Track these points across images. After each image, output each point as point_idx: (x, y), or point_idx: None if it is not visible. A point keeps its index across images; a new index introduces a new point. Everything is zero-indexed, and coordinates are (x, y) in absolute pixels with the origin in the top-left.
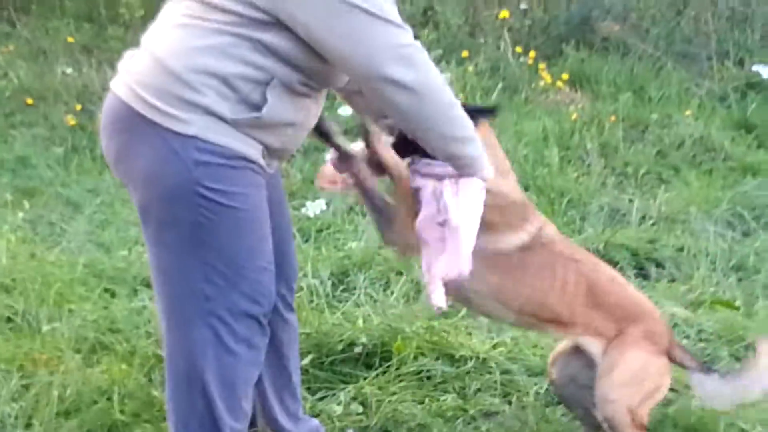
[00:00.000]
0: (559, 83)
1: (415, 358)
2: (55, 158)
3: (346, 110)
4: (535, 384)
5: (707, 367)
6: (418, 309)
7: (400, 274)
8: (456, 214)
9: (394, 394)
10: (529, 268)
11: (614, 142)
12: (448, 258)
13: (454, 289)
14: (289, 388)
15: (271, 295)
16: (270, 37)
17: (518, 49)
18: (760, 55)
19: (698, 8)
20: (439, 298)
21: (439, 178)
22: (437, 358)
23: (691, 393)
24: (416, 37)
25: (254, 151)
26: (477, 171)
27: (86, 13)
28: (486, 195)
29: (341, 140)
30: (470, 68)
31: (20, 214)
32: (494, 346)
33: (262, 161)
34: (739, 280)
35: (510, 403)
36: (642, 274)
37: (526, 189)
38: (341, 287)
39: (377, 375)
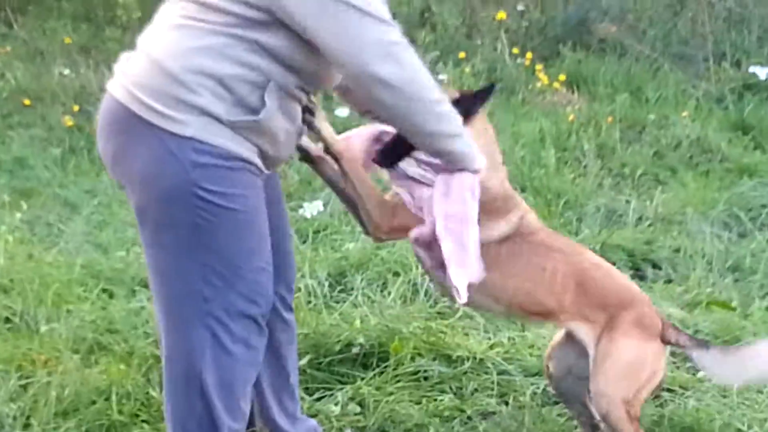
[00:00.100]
0: (556, 84)
1: (413, 358)
2: (53, 159)
3: (343, 111)
4: (532, 384)
5: (704, 342)
6: (415, 310)
7: (397, 275)
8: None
9: (391, 394)
10: (514, 258)
11: (611, 143)
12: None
13: (442, 284)
14: (288, 389)
15: (269, 296)
16: (266, 38)
17: (515, 51)
18: (756, 56)
19: (695, 9)
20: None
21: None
22: (434, 359)
23: (687, 393)
24: (413, 38)
25: (250, 152)
26: (467, 165)
27: (83, 14)
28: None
29: (304, 140)
30: (467, 69)
31: (18, 215)
32: (491, 347)
33: (258, 162)
34: (736, 280)
35: (507, 403)
36: (639, 274)
37: (523, 190)
38: (338, 288)
39: (375, 375)
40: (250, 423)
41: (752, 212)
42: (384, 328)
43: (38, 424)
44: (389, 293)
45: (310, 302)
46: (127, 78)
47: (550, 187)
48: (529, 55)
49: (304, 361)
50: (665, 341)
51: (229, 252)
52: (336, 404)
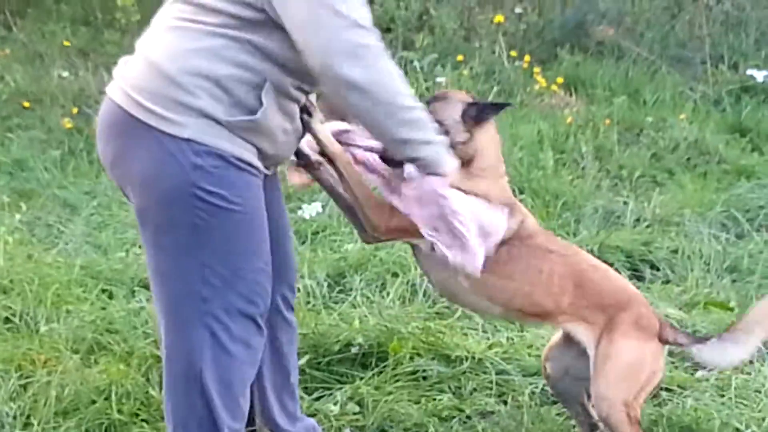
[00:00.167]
0: (554, 87)
1: (411, 358)
2: (52, 161)
3: None
4: (531, 384)
5: (702, 337)
6: (413, 310)
7: (395, 275)
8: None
9: (390, 394)
10: (512, 262)
11: (609, 145)
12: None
13: (441, 284)
14: (288, 388)
15: (267, 296)
16: (260, 39)
17: (513, 53)
18: (754, 59)
19: (692, 12)
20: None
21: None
22: (433, 359)
23: (686, 393)
24: (412, 41)
25: (249, 153)
26: (436, 170)
27: (82, 17)
28: (473, 199)
29: (302, 145)
30: (465, 72)
31: (17, 216)
32: (490, 347)
33: (258, 163)
34: (733, 281)
35: (505, 402)
36: (637, 275)
37: (521, 192)
38: (337, 289)
39: (373, 375)
40: (250, 422)
41: (749, 213)
42: (383, 328)
43: (38, 424)
44: (388, 294)
45: (309, 302)
46: (126, 81)
47: (549, 188)
48: (527, 57)
49: (303, 360)
50: (663, 341)
51: (228, 252)
52: (335, 404)
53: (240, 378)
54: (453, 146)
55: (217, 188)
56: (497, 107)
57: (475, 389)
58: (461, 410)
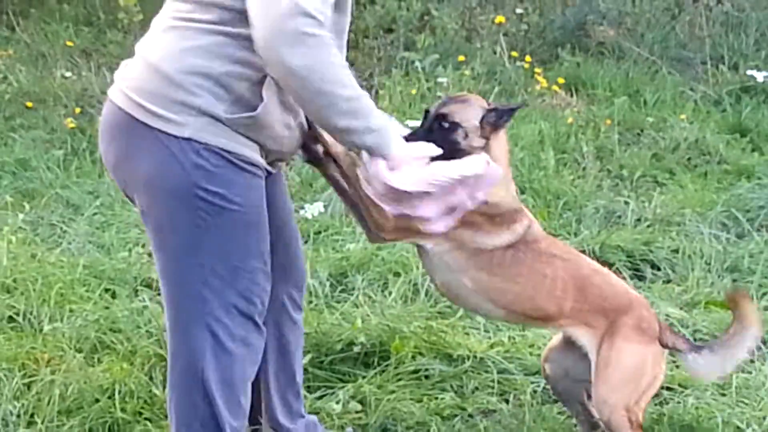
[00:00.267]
0: (555, 87)
1: (413, 357)
2: (55, 161)
3: None
4: (532, 383)
5: (697, 345)
6: (415, 309)
7: (397, 275)
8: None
9: (392, 392)
10: (516, 265)
11: (610, 145)
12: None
13: (444, 286)
14: (293, 387)
15: (266, 295)
16: None
17: (514, 54)
18: (754, 59)
19: (693, 13)
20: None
21: None
22: (435, 358)
23: (687, 392)
24: (413, 41)
25: (252, 151)
26: (381, 153)
27: (85, 17)
28: (480, 204)
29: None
30: (467, 72)
31: (21, 216)
32: (491, 346)
33: (261, 161)
34: (734, 281)
35: (507, 401)
36: (637, 275)
37: (522, 192)
38: (340, 288)
39: (376, 374)
40: (254, 420)
41: (750, 213)
42: (385, 327)
43: (42, 422)
44: (390, 293)
45: (311, 302)
46: (126, 83)
47: (550, 188)
48: (528, 58)
49: (305, 360)
50: (662, 344)
51: (227, 252)
52: (337, 402)
53: (241, 377)
54: (468, 151)
55: (218, 187)
56: (513, 111)
57: (477, 388)
58: (463, 409)
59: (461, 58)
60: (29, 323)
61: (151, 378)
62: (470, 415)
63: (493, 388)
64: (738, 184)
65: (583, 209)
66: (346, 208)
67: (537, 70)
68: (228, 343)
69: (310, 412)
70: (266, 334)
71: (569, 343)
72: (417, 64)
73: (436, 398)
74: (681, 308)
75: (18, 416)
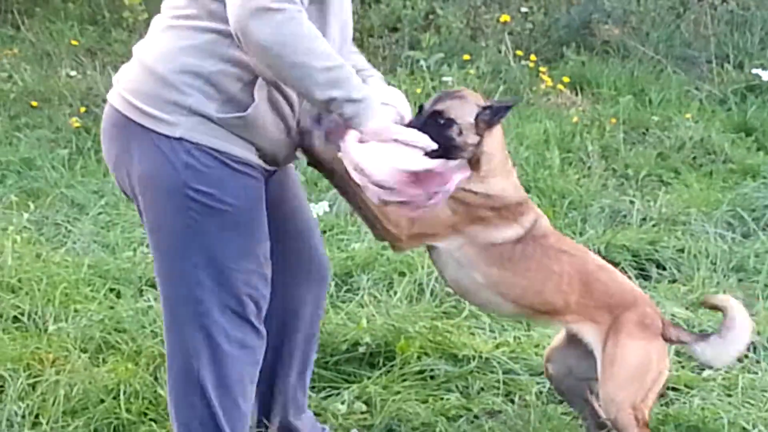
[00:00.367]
0: (560, 86)
1: (419, 357)
2: (60, 160)
3: None
4: (538, 383)
5: (703, 334)
6: (421, 309)
7: (403, 275)
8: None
9: (397, 393)
10: (525, 260)
11: (615, 144)
12: None
13: (454, 281)
14: (303, 383)
15: (263, 298)
16: None
17: (519, 53)
18: (759, 58)
19: (698, 12)
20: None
21: None
22: (440, 358)
23: (693, 392)
24: (418, 40)
25: (246, 152)
26: (358, 125)
27: (90, 16)
28: (482, 196)
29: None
30: (472, 71)
31: (25, 215)
32: (497, 346)
33: (257, 161)
34: (740, 280)
35: (512, 402)
36: (643, 275)
37: (527, 191)
38: (345, 288)
39: (381, 374)
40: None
41: (756, 213)
42: (390, 327)
43: (47, 423)
44: (395, 293)
45: None
46: (122, 85)
47: (555, 187)
48: (533, 57)
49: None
50: (666, 339)
51: (219, 253)
52: (342, 403)
53: (238, 378)
54: (462, 148)
55: (209, 188)
56: (508, 108)
57: (482, 388)
58: (469, 409)
59: (466, 57)
60: (34, 323)
61: (156, 378)
62: (476, 416)
63: (498, 388)
64: (743, 183)
65: (588, 208)
66: (361, 218)
67: (542, 68)
68: (224, 345)
69: (315, 413)
70: (272, 334)
71: (571, 342)
72: (422, 63)
73: (442, 399)
74: (686, 308)
75: (23, 417)
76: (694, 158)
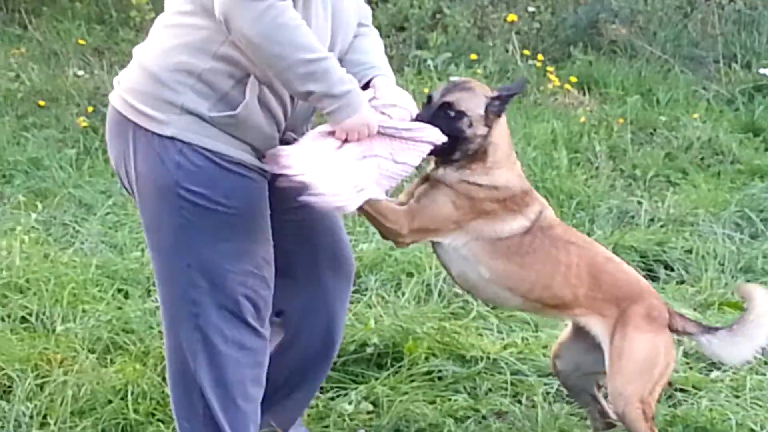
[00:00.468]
0: (568, 86)
1: (426, 358)
2: (68, 160)
3: None
4: (545, 384)
5: (711, 327)
6: (429, 310)
7: (410, 275)
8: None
9: (405, 394)
10: (533, 253)
11: (622, 144)
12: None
13: (461, 277)
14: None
15: (261, 299)
16: None
17: (526, 52)
18: (766, 57)
19: (705, 12)
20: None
21: None
22: (448, 359)
23: (700, 394)
24: (425, 40)
25: (240, 152)
26: (335, 121)
27: (98, 15)
28: (487, 188)
29: None
30: (479, 71)
31: (33, 216)
32: (504, 347)
33: (252, 161)
34: (748, 281)
35: (520, 402)
36: (651, 276)
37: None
38: (353, 289)
39: (389, 375)
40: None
41: (763, 213)
42: (398, 328)
43: (55, 423)
44: (403, 294)
45: None
46: (121, 86)
47: (563, 188)
48: (540, 56)
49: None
50: (673, 330)
51: (212, 253)
52: (350, 403)
53: (237, 379)
54: (471, 139)
55: (200, 187)
56: (515, 94)
57: (490, 389)
58: (476, 410)
59: (473, 56)
60: (42, 324)
61: (163, 379)
62: (483, 417)
63: (506, 389)
64: (751, 183)
65: (596, 209)
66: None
67: (549, 68)
68: (220, 345)
69: (322, 413)
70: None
71: (578, 336)
72: (429, 62)
73: (449, 399)
74: (695, 309)
75: (31, 417)
76: (702, 159)
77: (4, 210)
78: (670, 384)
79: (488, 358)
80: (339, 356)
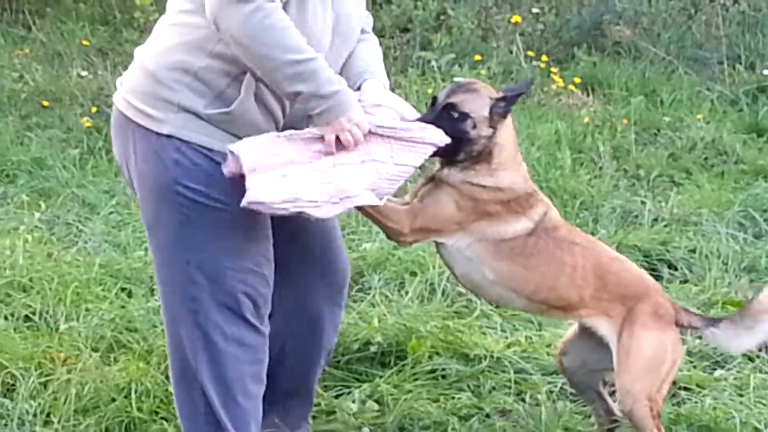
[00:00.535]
0: (572, 87)
1: (430, 357)
2: (71, 160)
3: None
4: (549, 382)
5: (714, 319)
6: (432, 309)
7: (414, 274)
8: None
9: (409, 392)
10: (537, 254)
11: (626, 145)
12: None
13: (465, 277)
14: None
15: (260, 297)
16: None
17: (530, 53)
18: None
19: (709, 13)
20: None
21: None
22: (452, 357)
23: (704, 392)
24: (429, 41)
25: None
26: (328, 121)
27: (101, 16)
28: (491, 189)
29: None
30: (483, 72)
31: (37, 215)
32: (508, 346)
33: None
34: (751, 281)
35: (524, 401)
36: (654, 275)
37: None
38: (356, 288)
39: (392, 374)
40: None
41: (767, 213)
42: (402, 327)
43: (58, 422)
44: (407, 292)
45: None
46: (123, 87)
47: (566, 188)
48: (544, 58)
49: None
50: (679, 325)
51: (211, 250)
52: (354, 402)
53: (237, 376)
54: (475, 141)
55: (198, 185)
56: (521, 95)
57: (493, 388)
58: (480, 409)
59: (477, 57)
60: (45, 322)
61: (167, 377)
62: (487, 415)
63: (509, 387)
64: (755, 183)
65: (599, 209)
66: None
67: (553, 69)
68: (220, 342)
69: (327, 412)
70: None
71: (585, 334)
72: (433, 63)
73: (453, 398)
74: (698, 308)
75: (34, 415)
76: (706, 159)
77: (8, 209)
78: (674, 383)
79: (492, 356)
80: (343, 355)
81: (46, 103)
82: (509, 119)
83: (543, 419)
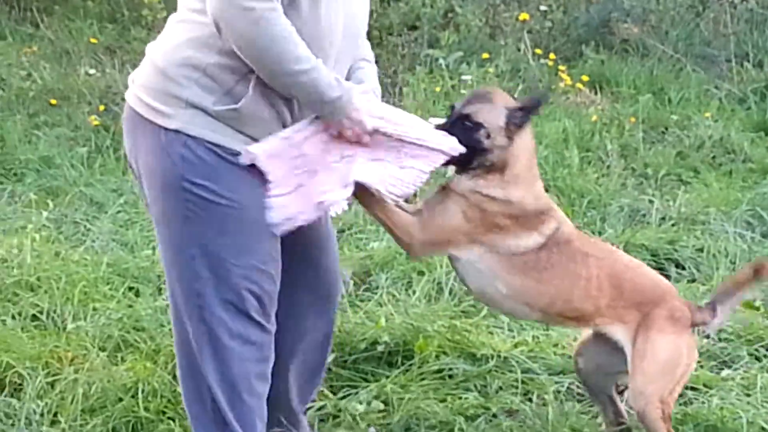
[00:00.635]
0: (579, 85)
1: (437, 356)
2: (79, 158)
3: None
4: (556, 382)
5: (711, 306)
6: (439, 308)
7: (421, 274)
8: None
9: (416, 392)
10: (551, 268)
11: (634, 143)
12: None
13: (478, 291)
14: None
15: (266, 295)
16: None
17: (538, 51)
18: None
19: (717, 10)
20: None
21: None
22: (459, 357)
23: (711, 392)
24: (437, 39)
25: (245, 145)
26: (331, 121)
27: (109, 14)
28: (500, 202)
29: None
30: (491, 70)
31: (44, 214)
32: (515, 345)
33: None
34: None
35: (531, 401)
36: (662, 274)
37: (546, 190)
38: (364, 287)
39: (399, 373)
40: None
41: None
42: (409, 326)
43: (65, 421)
44: (414, 292)
45: None
46: (134, 83)
47: (574, 186)
48: (552, 55)
49: (329, 359)
50: (695, 325)
51: (216, 246)
52: (361, 402)
53: (242, 373)
54: (490, 150)
55: (205, 180)
56: (539, 106)
57: (500, 387)
58: (487, 408)
59: (485, 55)
60: (53, 321)
61: (174, 377)
62: (494, 415)
63: (516, 387)
64: (763, 182)
65: (607, 208)
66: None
67: (561, 67)
68: (224, 339)
69: (333, 412)
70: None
71: (600, 338)
72: (441, 61)
73: (460, 398)
74: None
75: (41, 415)
76: (714, 157)
77: (16, 208)
78: None
79: (499, 356)
80: (349, 354)
81: (53, 102)
82: (528, 131)
83: (550, 419)
